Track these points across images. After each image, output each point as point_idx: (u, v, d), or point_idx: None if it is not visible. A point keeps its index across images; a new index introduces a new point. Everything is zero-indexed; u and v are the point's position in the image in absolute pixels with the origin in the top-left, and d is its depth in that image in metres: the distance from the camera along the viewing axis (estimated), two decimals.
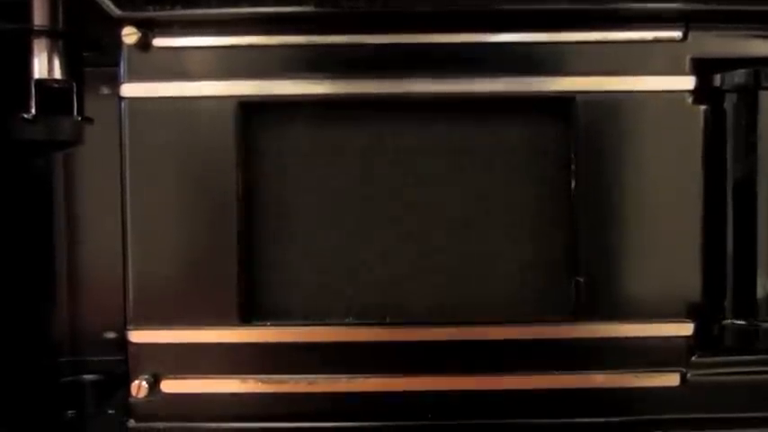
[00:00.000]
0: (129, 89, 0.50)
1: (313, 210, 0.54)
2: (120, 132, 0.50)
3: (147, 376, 0.50)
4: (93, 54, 0.55)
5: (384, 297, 0.60)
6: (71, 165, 0.57)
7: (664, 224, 0.50)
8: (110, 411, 0.56)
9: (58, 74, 0.52)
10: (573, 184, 0.50)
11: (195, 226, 0.50)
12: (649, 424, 0.50)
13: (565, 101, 0.50)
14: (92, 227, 0.57)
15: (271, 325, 0.51)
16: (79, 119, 0.55)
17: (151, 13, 0.48)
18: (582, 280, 0.50)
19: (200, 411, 0.51)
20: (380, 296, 0.59)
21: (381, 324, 0.51)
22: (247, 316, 0.50)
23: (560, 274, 0.52)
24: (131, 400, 0.50)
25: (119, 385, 0.55)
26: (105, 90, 0.56)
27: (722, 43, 0.49)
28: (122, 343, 0.52)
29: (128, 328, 0.51)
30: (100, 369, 0.57)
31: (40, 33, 0.51)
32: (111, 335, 0.57)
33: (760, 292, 0.50)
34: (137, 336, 0.51)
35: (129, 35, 0.48)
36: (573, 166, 0.50)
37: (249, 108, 0.50)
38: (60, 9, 0.51)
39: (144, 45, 0.49)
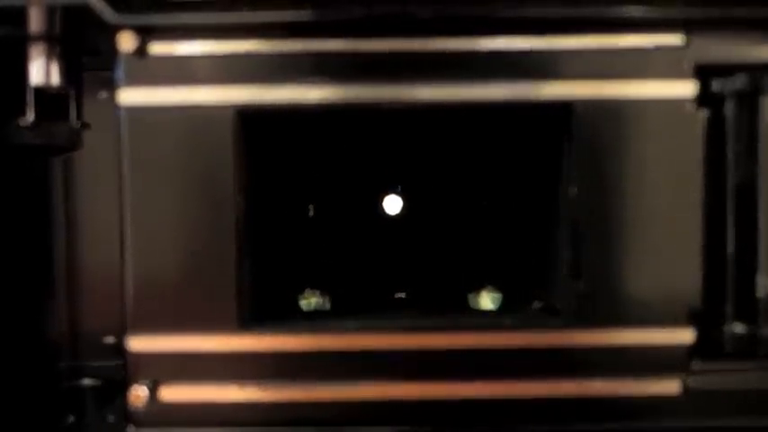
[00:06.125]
0: (127, 95, 0.49)
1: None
2: (118, 139, 0.50)
3: (145, 384, 0.50)
4: (91, 59, 0.55)
5: (383, 300, 0.60)
6: (70, 169, 0.57)
7: (664, 230, 0.50)
8: (109, 417, 0.56)
9: (55, 80, 0.51)
10: (573, 191, 0.50)
11: (194, 232, 0.50)
12: None
13: (566, 106, 0.49)
14: (91, 231, 0.57)
15: (270, 332, 0.51)
16: (78, 125, 0.55)
17: (148, 20, 0.48)
18: (582, 286, 0.50)
19: (200, 418, 0.51)
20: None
21: (381, 331, 0.51)
22: (246, 323, 0.50)
23: (560, 281, 0.51)
24: (130, 407, 0.50)
25: (119, 390, 0.55)
26: (104, 94, 0.56)
27: (723, 49, 0.49)
28: (122, 348, 0.52)
29: (127, 335, 0.51)
30: (100, 374, 0.57)
31: (36, 39, 0.50)
32: (110, 339, 0.57)
33: (761, 298, 0.49)
34: (136, 343, 0.51)
35: (126, 42, 0.48)
36: (573, 172, 0.50)
37: (247, 115, 0.49)
38: (57, 15, 0.50)
39: (141, 52, 0.49)
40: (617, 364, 0.50)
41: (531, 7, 0.48)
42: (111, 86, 0.51)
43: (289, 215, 0.60)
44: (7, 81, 0.52)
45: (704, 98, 0.49)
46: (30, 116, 0.53)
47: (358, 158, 0.60)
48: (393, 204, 0.62)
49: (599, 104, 0.49)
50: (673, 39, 0.49)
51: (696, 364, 0.50)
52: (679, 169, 0.49)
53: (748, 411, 0.50)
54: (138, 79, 0.49)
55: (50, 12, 0.50)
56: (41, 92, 0.52)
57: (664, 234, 0.50)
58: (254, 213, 0.52)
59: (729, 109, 0.49)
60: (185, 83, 0.49)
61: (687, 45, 0.49)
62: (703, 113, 0.50)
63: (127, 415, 0.51)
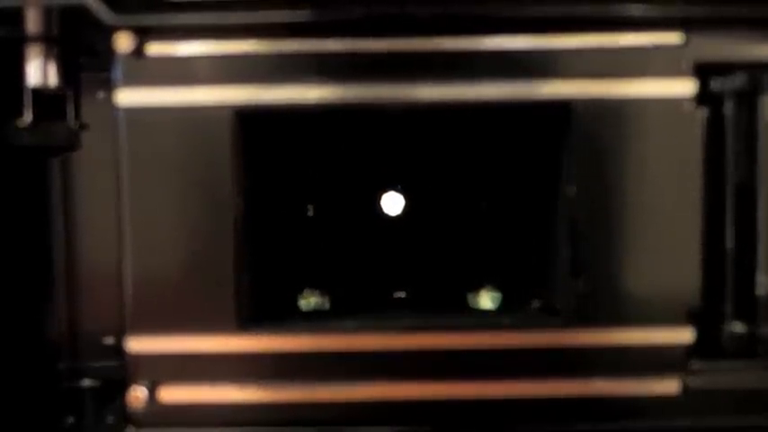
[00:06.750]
0: (124, 96, 0.49)
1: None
2: (116, 140, 0.50)
3: (144, 384, 0.50)
4: (89, 59, 0.55)
5: (383, 301, 0.60)
6: (68, 169, 0.57)
7: (663, 229, 0.50)
8: (109, 417, 0.56)
9: (53, 80, 0.51)
10: (572, 190, 0.50)
11: (192, 233, 0.50)
12: (649, 431, 0.50)
13: (565, 106, 0.49)
14: (90, 231, 0.57)
15: (269, 332, 0.50)
16: (76, 125, 0.55)
17: (145, 21, 0.48)
18: (581, 285, 0.50)
19: (199, 419, 0.51)
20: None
21: (381, 331, 0.51)
22: (245, 323, 0.50)
23: (559, 280, 0.51)
24: (129, 407, 0.50)
25: (118, 391, 0.55)
26: (102, 95, 0.55)
27: (722, 48, 0.49)
28: (121, 348, 0.52)
29: (126, 335, 0.51)
30: (99, 374, 0.57)
31: (34, 40, 0.50)
32: (109, 340, 0.57)
33: (760, 297, 0.49)
34: (135, 343, 0.50)
35: (123, 42, 0.48)
36: (573, 171, 0.50)
37: (246, 115, 0.49)
38: (54, 16, 0.50)
39: (138, 52, 0.49)
40: (616, 363, 0.50)
41: (531, 6, 0.48)
42: (109, 87, 0.51)
43: (288, 215, 0.60)
44: (5, 82, 0.52)
45: (703, 97, 0.49)
46: (27, 117, 0.53)
47: (357, 158, 0.60)
48: (393, 204, 0.62)
49: (598, 103, 0.49)
50: (672, 38, 0.49)
51: (695, 364, 0.50)
52: (678, 168, 0.49)
53: (747, 411, 0.50)
54: (135, 80, 0.49)
55: (48, 12, 0.50)
56: (39, 92, 0.52)
57: (663, 233, 0.50)
58: (253, 213, 0.52)
59: (729, 108, 0.49)
60: (183, 83, 0.49)
61: (686, 44, 0.49)
62: (702, 112, 0.50)
63: (126, 416, 0.51)
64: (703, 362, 0.50)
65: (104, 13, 0.48)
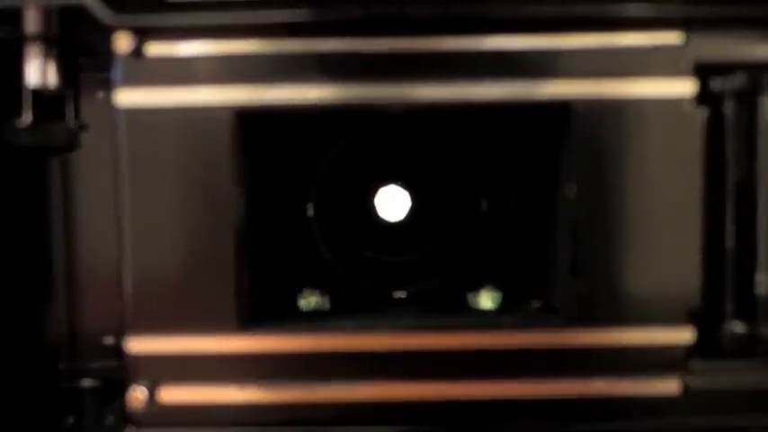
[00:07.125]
0: (124, 96, 0.49)
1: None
2: (115, 141, 0.49)
3: (144, 385, 0.50)
4: (88, 59, 0.55)
5: (383, 301, 0.60)
6: (68, 170, 0.57)
7: (663, 229, 0.50)
8: (109, 418, 0.56)
9: (52, 80, 0.51)
10: (572, 190, 0.50)
11: (192, 233, 0.50)
12: (649, 431, 0.50)
13: (565, 106, 0.49)
14: (89, 231, 0.57)
15: (269, 332, 0.50)
16: (75, 126, 0.55)
17: (144, 21, 0.48)
18: (581, 285, 0.50)
19: (199, 419, 0.50)
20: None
21: (381, 331, 0.51)
22: (246, 323, 0.50)
23: (559, 280, 0.51)
24: (129, 407, 0.50)
25: (118, 391, 0.55)
26: (101, 95, 0.55)
27: (722, 48, 0.49)
28: (121, 348, 0.52)
29: (126, 335, 0.51)
30: (99, 375, 0.57)
31: (33, 40, 0.50)
32: (109, 340, 0.57)
33: (760, 297, 0.49)
34: (134, 344, 0.50)
35: (123, 42, 0.48)
36: (572, 171, 0.50)
37: (246, 115, 0.49)
38: (54, 16, 0.50)
39: (137, 52, 0.48)
40: (616, 363, 0.50)
41: (531, 6, 0.48)
42: (109, 87, 0.50)
43: (288, 215, 0.60)
44: (5, 82, 0.52)
45: (703, 97, 0.49)
46: (27, 117, 0.53)
47: (357, 158, 0.60)
48: (394, 205, 0.62)
49: (598, 103, 0.49)
50: (672, 37, 0.49)
51: (695, 364, 0.50)
52: (678, 168, 0.49)
53: (748, 411, 0.50)
54: (135, 80, 0.49)
55: (47, 13, 0.50)
56: (39, 93, 0.52)
57: (663, 233, 0.49)
58: (253, 213, 0.52)
59: (729, 108, 0.49)
60: (183, 83, 0.49)
61: (686, 44, 0.49)
62: (702, 112, 0.49)
63: (126, 416, 0.51)
64: (703, 362, 0.50)
65: (104, 14, 0.48)
